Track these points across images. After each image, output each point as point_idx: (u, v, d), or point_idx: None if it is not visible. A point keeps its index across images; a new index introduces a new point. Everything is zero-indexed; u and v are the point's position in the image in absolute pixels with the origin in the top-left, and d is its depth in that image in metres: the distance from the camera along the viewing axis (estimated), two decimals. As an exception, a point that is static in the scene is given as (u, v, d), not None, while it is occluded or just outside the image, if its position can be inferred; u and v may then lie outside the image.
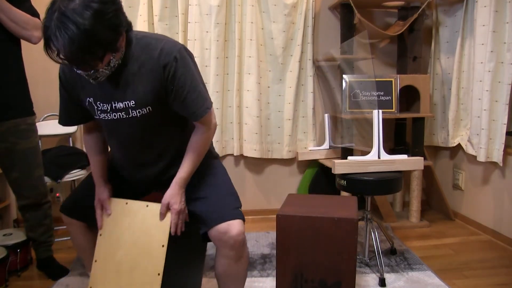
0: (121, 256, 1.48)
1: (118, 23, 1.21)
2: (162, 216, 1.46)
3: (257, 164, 3.30)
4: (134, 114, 1.39)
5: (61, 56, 1.15)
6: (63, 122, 1.55)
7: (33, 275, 2.28)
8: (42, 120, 2.92)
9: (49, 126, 2.88)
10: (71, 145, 3.00)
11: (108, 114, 1.40)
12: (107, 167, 1.60)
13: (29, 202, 2.16)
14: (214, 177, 1.58)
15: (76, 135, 3.07)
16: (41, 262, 2.30)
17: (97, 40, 1.14)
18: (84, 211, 1.57)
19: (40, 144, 2.21)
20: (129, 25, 1.30)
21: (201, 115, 1.41)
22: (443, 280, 2.16)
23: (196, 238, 1.57)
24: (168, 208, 1.46)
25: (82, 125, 1.59)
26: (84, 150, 1.60)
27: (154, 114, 1.41)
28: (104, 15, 1.15)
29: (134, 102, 1.37)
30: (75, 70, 1.25)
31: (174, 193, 1.46)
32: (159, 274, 1.42)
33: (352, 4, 2.82)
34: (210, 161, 1.63)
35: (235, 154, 3.17)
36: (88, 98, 1.41)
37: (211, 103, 1.46)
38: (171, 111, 1.43)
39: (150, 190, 1.67)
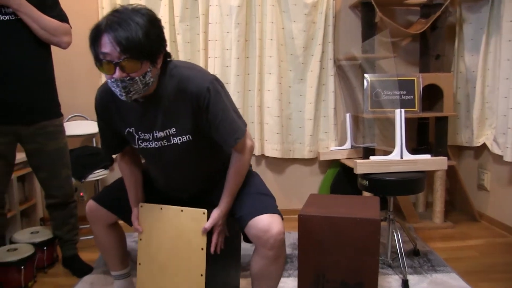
0: (163, 260, 1.53)
1: (162, 38, 1.31)
2: (205, 230, 1.48)
3: (278, 164, 3.30)
4: (175, 141, 1.43)
5: (104, 50, 1.21)
6: (108, 154, 1.67)
7: (59, 272, 2.33)
8: (67, 121, 2.98)
9: (73, 127, 2.93)
10: (94, 145, 3.05)
11: (149, 143, 1.46)
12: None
13: (56, 201, 2.21)
14: (252, 181, 1.61)
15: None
16: (66, 260, 2.35)
17: (146, 41, 1.22)
18: (114, 202, 1.63)
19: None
20: (168, 54, 1.38)
21: (231, 145, 1.45)
22: (468, 283, 2.11)
23: (232, 236, 1.61)
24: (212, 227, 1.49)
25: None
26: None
27: (194, 142, 1.45)
28: (155, 24, 1.27)
29: (175, 130, 1.42)
30: (111, 79, 1.25)
31: (221, 215, 1.49)
32: (202, 275, 1.47)
33: (373, 3, 2.79)
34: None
35: (256, 154, 3.18)
36: (128, 129, 1.47)
37: (244, 131, 1.47)
38: (210, 139, 1.47)
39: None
